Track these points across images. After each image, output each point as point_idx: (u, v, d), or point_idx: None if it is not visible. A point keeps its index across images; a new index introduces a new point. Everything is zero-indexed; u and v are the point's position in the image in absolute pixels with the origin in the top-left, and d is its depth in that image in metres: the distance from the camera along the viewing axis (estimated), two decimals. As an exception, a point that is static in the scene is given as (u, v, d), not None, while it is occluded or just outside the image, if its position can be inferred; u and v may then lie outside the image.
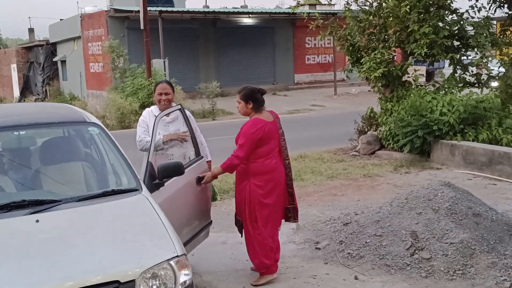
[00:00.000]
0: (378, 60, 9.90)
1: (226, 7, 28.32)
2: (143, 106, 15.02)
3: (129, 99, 17.36)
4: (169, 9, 22.14)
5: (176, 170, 4.01)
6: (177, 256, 3.06)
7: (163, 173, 3.95)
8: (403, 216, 5.23)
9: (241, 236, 4.88)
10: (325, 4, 11.95)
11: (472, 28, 9.95)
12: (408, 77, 10.41)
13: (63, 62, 27.70)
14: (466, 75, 10.22)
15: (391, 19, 10.01)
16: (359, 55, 10.70)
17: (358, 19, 10.56)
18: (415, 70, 10.37)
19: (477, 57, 9.88)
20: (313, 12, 13.60)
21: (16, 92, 31.01)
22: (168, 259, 3.03)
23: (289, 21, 26.20)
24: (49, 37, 29.33)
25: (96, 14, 23.04)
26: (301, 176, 8.44)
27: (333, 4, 11.50)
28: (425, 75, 13.48)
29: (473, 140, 8.82)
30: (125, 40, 21.47)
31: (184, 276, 3.06)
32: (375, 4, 10.51)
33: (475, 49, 9.96)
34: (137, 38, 20.30)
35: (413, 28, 9.50)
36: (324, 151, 10.49)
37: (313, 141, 12.04)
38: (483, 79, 10.18)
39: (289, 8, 22.99)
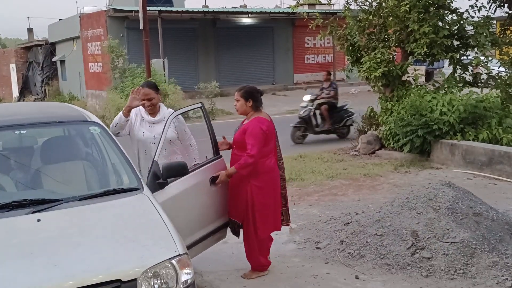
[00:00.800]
0: (378, 59, 9.89)
1: (225, 7, 28.29)
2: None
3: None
4: (169, 9, 22.14)
5: (180, 170, 4.00)
6: (178, 255, 3.06)
7: (167, 172, 3.95)
8: (403, 215, 5.23)
9: (238, 238, 4.89)
10: (325, 4, 11.96)
11: (472, 27, 9.93)
12: (408, 76, 10.41)
13: (62, 62, 27.67)
14: (466, 74, 10.22)
15: (390, 18, 10.00)
16: (359, 55, 10.70)
17: (358, 18, 10.56)
18: (415, 70, 10.37)
19: (477, 57, 9.87)
20: (313, 12, 13.60)
21: (15, 92, 30.98)
22: (169, 258, 3.03)
23: (289, 21, 26.21)
24: (48, 37, 29.30)
25: (95, 14, 23.03)
26: (301, 176, 8.43)
27: (333, 4, 11.54)
28: (424, 74, 13.49)
29: (473, 140, 8.81)
30: (125, 40, 21.46)
31: (185, 275, 3.06)
32: (374, 3, 10.50)
33: (475, 49, 9.95)
34: (136, 38, 20.28)
35: (413, 28, 9.49)
36: (324, 151, 10.50)
37: (312, 141, 12.04)
38: (483, 78, 10.18)
39: (288, 7, 23.00)
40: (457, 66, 10.16)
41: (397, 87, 10.19)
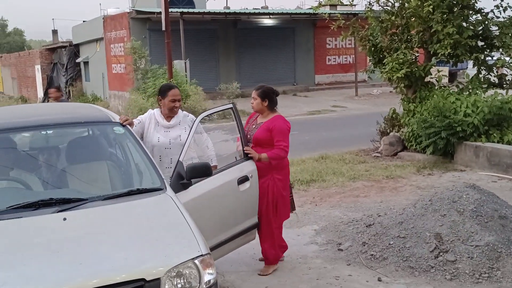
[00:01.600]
0: (401, 60, 9.80)
1: (246, 8, 28.31)
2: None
3: (150, 99, 17.47)
4: (190, 10, 22.26)
5: (204, 170, 4.00)
6: (201, 255, 3.07)
7: (191, 173, 3.96)
8: (427, 218, 5.18)
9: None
10: (346, 5, 11.83)
11: (497, 28, 9.79)
12: (431, 77, 10.30)
13: (86, 63, 28.04)
14: (491, 75, 10.07)
15: (413, 19, 9.91)
16: (381, 56, 10.62)
17: (380, 19, 10.48)
18: (438, 71, 10.25)
19: (502, 58, 9.71)
20: (334, 13, 13.53)
21: (40, 93, 31.46)
22: (192, 258, 3.03)
23: (310, 22, 26.13)
24: (72, 39, 29.72)
25: (118, 15, 23.29)
26: (322, 177, 8.40)
27: (355, 5, 11.36)
28: (448, 75, 13.31)
29: (498, 142, 8.68)
30: (147, 41, 21.64)
31: (208, 275, 3.07)
32: (397, 4, 10.42)
33: (500, 50, 9.80)
34: (158, 39, 20.43)
35: (437, 28, 9.39)
36: (345, 152, 10.44)
37: (334, 142, 11.99)
38: (508, 80, 10.01)
39: (310, 8, 22.96)
40: (482, 67, 10.02)
41: (420, 88, 10.09)
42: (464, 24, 9.66)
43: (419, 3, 9.60)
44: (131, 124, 4.38)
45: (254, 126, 4.90)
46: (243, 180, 4.49)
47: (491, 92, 9.58)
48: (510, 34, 9.56)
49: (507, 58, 9.73)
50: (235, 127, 4.78)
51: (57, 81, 29.84)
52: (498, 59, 9.73)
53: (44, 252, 2.95)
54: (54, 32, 35.44)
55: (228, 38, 24.67)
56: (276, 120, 4.85)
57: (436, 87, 10.09)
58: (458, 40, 9.36)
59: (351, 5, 11.31)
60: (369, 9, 10.74)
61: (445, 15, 9.42)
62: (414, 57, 10.32)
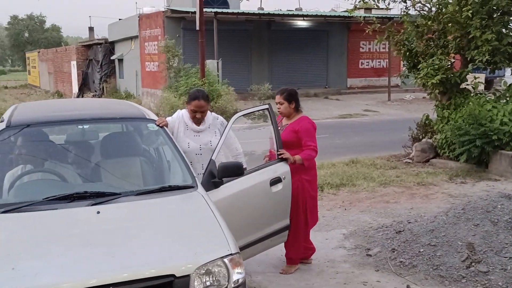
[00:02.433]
0: (436, 66, 9.65)
1: (280, 10, 28.33)
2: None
3: (182, 98, 17.65)
4: (225, 10, 22.39)
5: (236, 170, 4.01)
6: (231, 254, 3.08)
7: (223, 172, 3.97)
8: (459, 227, 5.08)
9: None
10: (382, 8, 11.73)
11: (538, 35, 9.53)
12: (467, 84, 10.10)
13: (120, 60, 28.49)
14: (530, 84, 9.82)
15: (450, 24, 9.74)
16: (416, 61, 10.47)
17: (416, 24, 10.34)
18: (475, 78, 10.04)
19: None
20: (369, 16, 13.43)
21: (75, 88, 32.14)
22: (222, 257, 3.04)
23: (344, 25, 25.98)
24: (108, 36, 30.26)
25: (153, 14, 23.58)
26: (352, 181, 8.33)
27: (390, 8, 11.27)
28: (484, 83, 13.06)
29: (535, 152, 8.46)
30: (181, 40, 21.86)
31: (237, 275, 3.07)
32: (434, 9, 10.26)
33: (540, 58, 9.54)
34: (192, 39, 20.62)
35: (475, 34, 9.20)
36: (376, 157, 10.34)
37: (365, 147, 11.89)
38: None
39: (344, 11, 22.79)
40: (521, 75, 9.78)
41: (455, 95, 9.92)
42: (504, 30, 9.44)
43: (457, 8, 9.43)
44: (166, 125, 4.42)
45: (279, 129, 4.88)
46: (275, 181, 4.45)
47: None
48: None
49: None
50: (266, 127, 4.77)
51: (92, 77, 30.46)
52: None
53: (78, 244, 3.01)
54: (91, 29, 36.18)
55: (261, 39, 24.71)
56: (301, 121, 4.89)
57: (472, 94, 9.89)
58: (497, 46, 9.15)
59: (387, 8, 11.20)
60: (405, 13, 10.61)
61: (484, 21, 9.22)
62: (450, 63, 10.15)
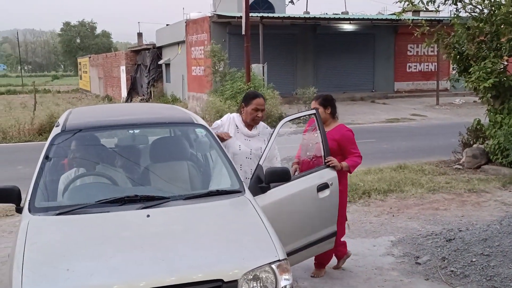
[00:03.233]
0: (489, 69, 9.35)
1: (326, 13, 28.16)
2: (242, 110, 15.34)
3: (228, 102, 17.81)
4: (270, 15, 22.45)
5: (283, 175, 3.97)
6: (278, 260, 3.06)
7: (270, 177, 3.95)
8: (514, 236, 4.90)
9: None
10: (431, 11, 11.47)
11: None
12: (522, 88, 9.73)
13: (167, 65, 29.03)
14: None
15: (504, 26, 9.42)
16: (467, 64, 10.17)
17: (467, 26, 10.05)
18: (529, 81, 9.67)
19: None
20: (417, 19, 13.15)
21: (124, 93, 32.94)
22: (270, 263, 3.03)
23: (391, 28, 25.60)
24: (155, 41, 30.89)
25: (200, 19, 23.91)
26: (400, 187, 8.17)
27: (440, 11, 10.97)
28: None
29: None
30: (226, 45, 22.06)
31: (284, 281, 3.06)
32: (486, 10, 9.94)
33: None
34: (237, 43, 20.79)
35: (530, 36, 8.88)
36: (425, 163, 10.11)
37: (413, 152, 11.65)
38: None
39: (392, 14, 22.45)
40: None
41: (509, 99, 9.58)
42: (561, 32, 9.07)
43: (510, 9, 9.12)
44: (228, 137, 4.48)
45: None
46: (322, 187, 4.41)
47: None
48: None
49: None
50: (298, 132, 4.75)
51: (140, 82, 31.15)
52: None
53: (129, 246, 3.07)
54: (139, 35, 37.04)
55: (307, 43, 24.64)
56: (340, 129, 4.86)
57: (526, 99, 9.52)
58: (553, 49, 8.80)
59: (436, 11, 10.92)
60: (455, 15, 10.33)
61: (539, 23, 8.88)
62: (503, 66, 9.81)
